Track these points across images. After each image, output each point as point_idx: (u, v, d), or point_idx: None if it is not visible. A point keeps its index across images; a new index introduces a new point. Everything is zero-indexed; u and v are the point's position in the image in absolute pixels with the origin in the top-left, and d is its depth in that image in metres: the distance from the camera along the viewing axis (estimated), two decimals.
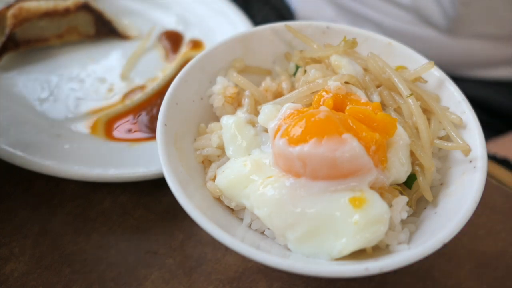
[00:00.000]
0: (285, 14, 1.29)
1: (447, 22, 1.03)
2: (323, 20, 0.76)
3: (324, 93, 0.57)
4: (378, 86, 0.62)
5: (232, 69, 0.69)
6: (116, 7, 1.04)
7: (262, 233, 0.56)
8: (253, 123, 0.61)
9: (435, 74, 0.65)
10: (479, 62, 1.13)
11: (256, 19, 1.02)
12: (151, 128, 0.81)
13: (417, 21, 1.09)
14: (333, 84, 0.57)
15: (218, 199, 0.58)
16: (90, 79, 0.91)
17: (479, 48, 1.09)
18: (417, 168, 0.57)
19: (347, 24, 1.12)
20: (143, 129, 0.81)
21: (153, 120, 0.82)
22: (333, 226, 0.49)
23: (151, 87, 0.89)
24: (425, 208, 0.59)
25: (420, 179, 0.57)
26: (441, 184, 0.60)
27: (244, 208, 0.57)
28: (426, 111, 0.61)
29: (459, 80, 0.70)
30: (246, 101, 0.64)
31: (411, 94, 0.58)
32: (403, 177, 0.56)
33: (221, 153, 0.61)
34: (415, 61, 0.66)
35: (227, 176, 0.56)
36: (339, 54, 0.63)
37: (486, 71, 1.14)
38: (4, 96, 0.82)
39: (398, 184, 0.57)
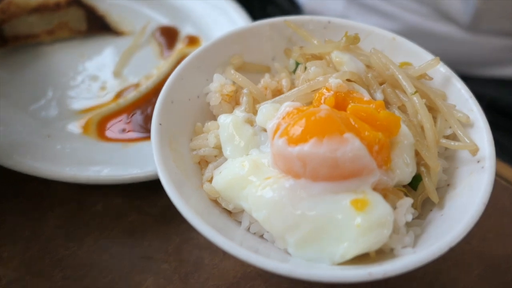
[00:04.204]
0: (287, 8, 1.29)
1: (467, 16, 1.02)
2: (331, 14, 0.76)
3: (325, 91, 0.57)
4: (381, 84, 0.62)
5: (230, 66, 0.69)
6: (108, 2, 1.04)
7: (261, 236, 0.56)
8: (251, 122, 0.62)
9: (441, 71, 0.66)
10: (497, 60, 1.12)
11: (255, 14, 1.02)
12: (146, 127, 0.81)
13: (434, 15, 1.08)
14: (334, 81, 0.57)
15: (215, 201, 0.59)
16: (82, 77, 0.91)
17: (498, 45, 1.09)
18: (422, 168, 0.57)
19: (359, 18, 1.12)
20: (137, 129, 0.81)
21: (147, 119, 0.82)
22: (335, 229, 0.49)
23: (146, 85, 0.89)
24: (431, 210, 0.59)
25: (425, 180, 0.57)
26: (448, 185, 0.60)
27: (242, 211, 0.57)
28: (432, 109, 0.61)
29: (471, 80, 0.70)
30: (244, 99, 0.64)
31: (415, 92, 0.58)
32: (407, 178, 0.56)
33: (218, 154, 0.61)
34: (420, 57, 0.67)
35: (224, 177, 0.57)
36: (341, 50, 0.63)
37: (502, 69, 1.14)
38: None
39: (403, 186, 0.57)
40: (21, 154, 0.71)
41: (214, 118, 0.66)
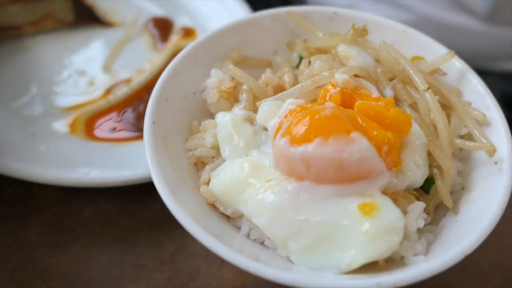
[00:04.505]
0: None
1: (485, 6, 1.03)
2: (338, 5, 0.76)
3: (330, 87, 0.58)
4: (391, 79, 0.63)
5: (228, 60, 0.70)
6: None
7: (262, 243, 0.57)
8: (251, 121, 0.62)
9: (456, 65, 0.66)
10: None
11: (256, 4, 1.03)
12: (138, 126, 0.82)
13: (449, 5, 1.08)
14: (340, 77, 0.58)
15: (213, 206, 0.59)
16: (68, 72, 0.92)
17: None
18: (435, 170, 0.58)
19: (368, 8, 1.12)
20: (129, 128, 0.82)
21: (139, 117, 0.83)
22: (341, 235, 0.50)
23: (137, 80, 0.90)
24: (444, 215, 0.59)
25: (438, 183, 0.57)
26: (463, 188, 0.61)
27: (241, 216, 0.58)
28: (446, 106, 0.62)
29: (488, 75, 0.71)
30: (243, 96, 0.65)
31: (428, 88, 0.59)
32: (419, 181, 0.57)
33: (215, 154, 0.62)
34: (434, 51, 0.67)
35: (222, 179, 0.57)
36: (348, 43, 0.64)
37: None
38: None
39: (414, 189, 0.58)
40: (2, 155, 0.71)
41: (212, 116, 0.66)
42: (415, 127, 0.57)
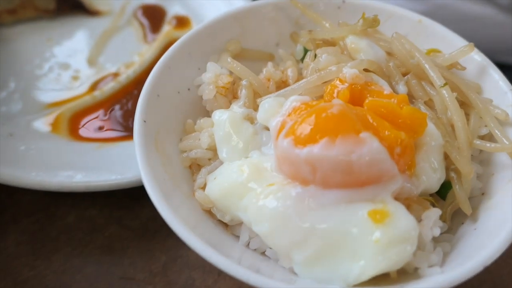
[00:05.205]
0: None
1: None
2: None
3: (338, 82, 0.58)
4: (404, 74, 0.63)
5: (226, 53, 0.70)
6: None
7: (263, 253, 0.57)
8: (251, 119, 0.63)
9: (476, 59, 0.67)
10: None
11: None
12: (126, 125, 0.82)
13: None
14: (349, 71, 0.58)
15: (209, 212, 0.60)
16: (50, 65, 0.92)
17: None
18: (452, 174, 0.58)
19: None
20: (117, 127, 0.82)
21: (128, 115, 0.83)
22: (349, 245, 0.51)
23: (126, 74, 0.90)
24: (462, 223, 0.60)
25: (456, 188, 0.58)
26: (482, 194, 0.61)
27: (240, 223, 0.58)
28: (464, 104, 0.63)
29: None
30: (243, 93, 0.66)
31: (445, 84, 0.60)
32: (435, 186, 0.57)
33: (212, 156, 0.63)
34: (451, 43, 0.68)
35: (219, 184, 0.58)
36: (357, 34, 0.65)
37: None
38: None
39: (430, 194, 0.58)
40: None
41: (208, 114, 0.67)
42: (430, 126, 0.57)
